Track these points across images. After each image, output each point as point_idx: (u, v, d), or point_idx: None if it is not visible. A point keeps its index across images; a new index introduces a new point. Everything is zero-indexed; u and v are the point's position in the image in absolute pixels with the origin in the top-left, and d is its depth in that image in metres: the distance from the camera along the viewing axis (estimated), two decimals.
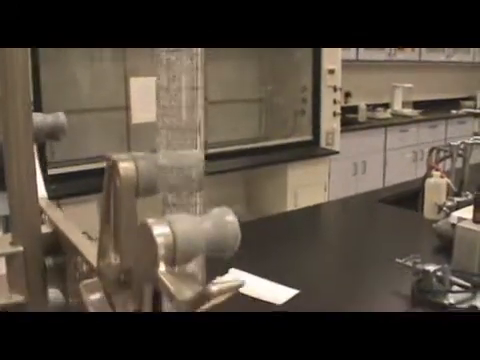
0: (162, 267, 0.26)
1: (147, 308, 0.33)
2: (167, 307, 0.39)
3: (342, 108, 3.79)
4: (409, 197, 2.25)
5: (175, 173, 0.32)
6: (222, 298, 0.25)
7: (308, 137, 3.60)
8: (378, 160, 4.44)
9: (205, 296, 0.24)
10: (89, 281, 0.36)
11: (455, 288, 1.36)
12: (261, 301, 1.33)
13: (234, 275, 1.46)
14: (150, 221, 0.27)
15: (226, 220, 0.30)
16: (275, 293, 1.37)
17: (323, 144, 3.62)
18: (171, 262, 0.27)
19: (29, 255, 0.42)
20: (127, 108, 2.92)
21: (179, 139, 0.35)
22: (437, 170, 2.09)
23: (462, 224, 1.55)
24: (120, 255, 0.33)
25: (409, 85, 5.06)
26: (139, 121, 2.78)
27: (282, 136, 3.60)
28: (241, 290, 1.22)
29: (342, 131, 3.74)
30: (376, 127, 4.48)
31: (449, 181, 2.07)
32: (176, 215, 0.29)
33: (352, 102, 4.76)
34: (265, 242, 1.80)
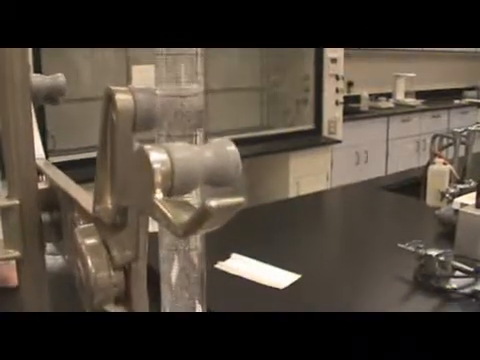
0: (158, 194, 0.25)
1: (142, 252, 0.32)
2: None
3: (344, 97, 3.77)
4: (412, 185, 2.25)
5: (174, 103, 0.31)
6: (221, 219, 0.24)
7: (310, 126, 3.59)
8: (380, 150, 4.43)
9: (203, 214, 0.23)
10: (85, 226, 0.36)
11: (458, 273, 1.35)
12: (263, 286, 1.33)
13: (236, 260, 1.46)
14: (147, 147, 0.27)
15: (227, 149, 0.29)
16: (277, 278, 1.37)
17: (325, 133, 3.61)
18: (168, 191, 0.26)
19: (25, 209, 0.41)
20: None
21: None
22: (440, 157, 2.09)
23: (465, 209, 1.54)
24: (116, 195, 0.32)
25: (412, 74, 5.04)
26: None
27: (284, 125, 3.59)
28: (243, 275, 1.21)
29: (344, 120, 3.73)
30: (378, 116, 4.46)
31: (452, 168, 2.06)
32: (174, 143, 0.28)
33: (354, 91, 4.75)
34: (267, 228, 1.79)
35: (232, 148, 0.29)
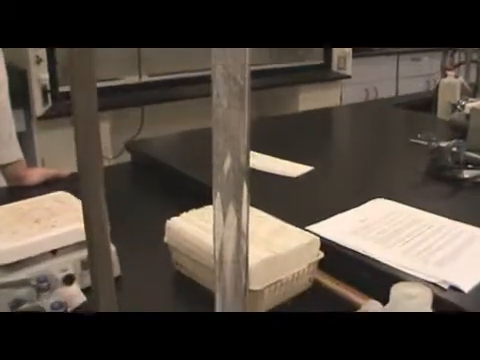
0: None
1: None
2: None
3: None
4: (423, 103, 2.23)
5: None
6: None
7: (320, 61, 3.56)
8: (390, 87, 4.38)
9: None
10: None
11: (470, 165, 1.36)
12: (277, 175, 1.35)
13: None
14: None
15: None
16: (290, 169, 1.38)
17: (335, 68, 3.59)
18: None
19: None
20: None
21: None
22: (451, 70, 2.07)
23: (477, 106, 1.55)
24: None
25: None
26: None
27: (294, 59, 3.56)
28: (257, 167, 1.22)
29: (354, 57, 3.69)
30: (388, 54, 4.41)
31: (463, 81, 2.05)
32: None
33: None
34: (279, 134, 1.80)
35: None
